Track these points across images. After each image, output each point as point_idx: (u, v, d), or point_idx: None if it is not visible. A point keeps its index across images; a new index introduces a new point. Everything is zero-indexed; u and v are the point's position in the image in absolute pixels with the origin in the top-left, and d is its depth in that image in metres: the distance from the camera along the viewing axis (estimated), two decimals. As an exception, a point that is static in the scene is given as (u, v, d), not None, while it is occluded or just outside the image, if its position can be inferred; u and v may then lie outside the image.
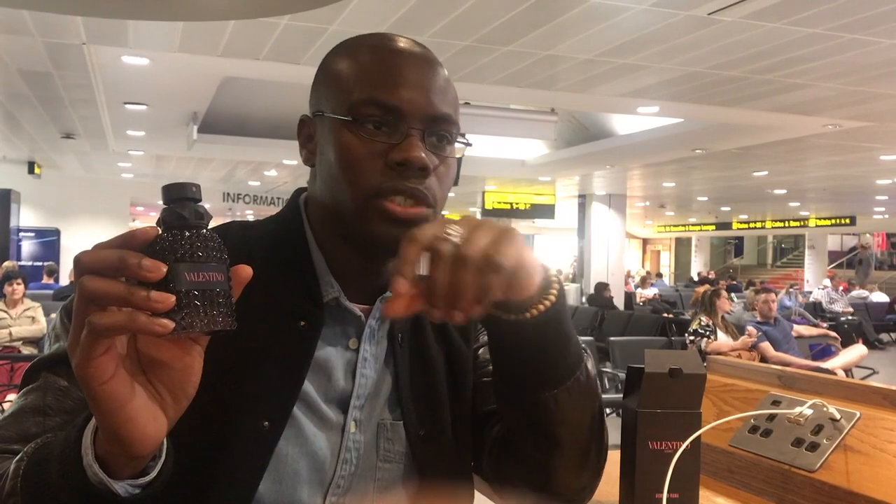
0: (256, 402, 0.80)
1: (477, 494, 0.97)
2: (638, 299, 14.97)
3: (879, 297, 15.81)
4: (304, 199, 0.91)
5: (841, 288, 14.99)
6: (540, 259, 0.74)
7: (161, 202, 0.60)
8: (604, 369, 6.42)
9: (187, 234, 0.58)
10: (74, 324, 0.57)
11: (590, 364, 0.84)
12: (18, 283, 6.17)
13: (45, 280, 10.63)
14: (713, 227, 25.87)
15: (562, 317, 0.79)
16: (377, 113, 0.80)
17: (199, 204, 0.60)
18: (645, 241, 32.63)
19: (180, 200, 0.60)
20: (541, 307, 0.75)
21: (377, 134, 0.80)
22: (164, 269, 0.56)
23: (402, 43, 0.85)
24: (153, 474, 0.64)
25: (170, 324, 0.55)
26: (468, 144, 0.86)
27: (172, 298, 0.55)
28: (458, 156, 0.85)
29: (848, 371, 6.44)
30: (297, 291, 0.84)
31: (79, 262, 0.57)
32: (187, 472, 0.67)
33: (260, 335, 0.79)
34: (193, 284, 0.57)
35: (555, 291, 0.77)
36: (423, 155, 0.79)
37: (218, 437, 0.77)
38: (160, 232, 0.58)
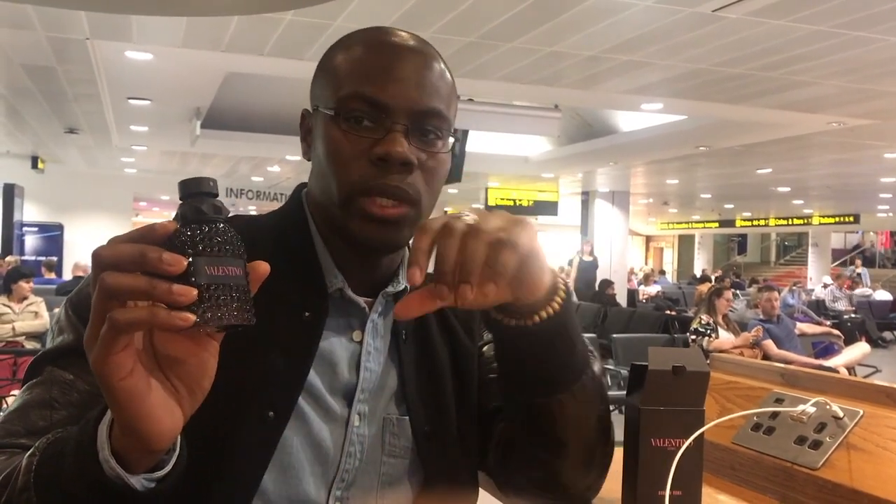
0: (262, 392, 0.80)
1: (481, 492, 0.98)
2: (641, 296, 14.96)
3: (883, 295, 15.78)
4: (305, 193, 0.92)
5: (844, 286, 14.97)
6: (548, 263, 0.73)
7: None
8: (606, 366, 6.42)
9: (206, 228, 0.58)
10: (93, 320, 0.57)
11: (596, 366, 0.84)
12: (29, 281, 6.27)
13: (46, 275, 10.65)
14: (716, 224, 25.84)
15: (567, 323, 0.78)
16: (363, 107, 0.79)
17: (217, 198, 0.60)
18: (648, 239, 32.59)
19: (198, 195, 0.59)
20: (543, 314, 0.75)
21: (361, 129, 0.79)
22: (185, 262, 0.56)
23: (396, 37, 0.84)
24: (168, 468, 0.64)
25: (191, 317, 0.55)
26: (457, 139, 0.85)
27: (195, 291, 0.55)
28: (447, 150, 0.84)
29: (851, 369, 6.43)
30: (302, 282, 0.85)
31: (97, 256, 0.56)
32: (192, 463, 0.67)
33: (265, 325, 0.79)
34: (213, 279, 0.57)
35: (560, 299, 0.76)
36: (405, 150, 0.78)
37: (223, 427, 0.77)
38: (178, 227, 0.58)
